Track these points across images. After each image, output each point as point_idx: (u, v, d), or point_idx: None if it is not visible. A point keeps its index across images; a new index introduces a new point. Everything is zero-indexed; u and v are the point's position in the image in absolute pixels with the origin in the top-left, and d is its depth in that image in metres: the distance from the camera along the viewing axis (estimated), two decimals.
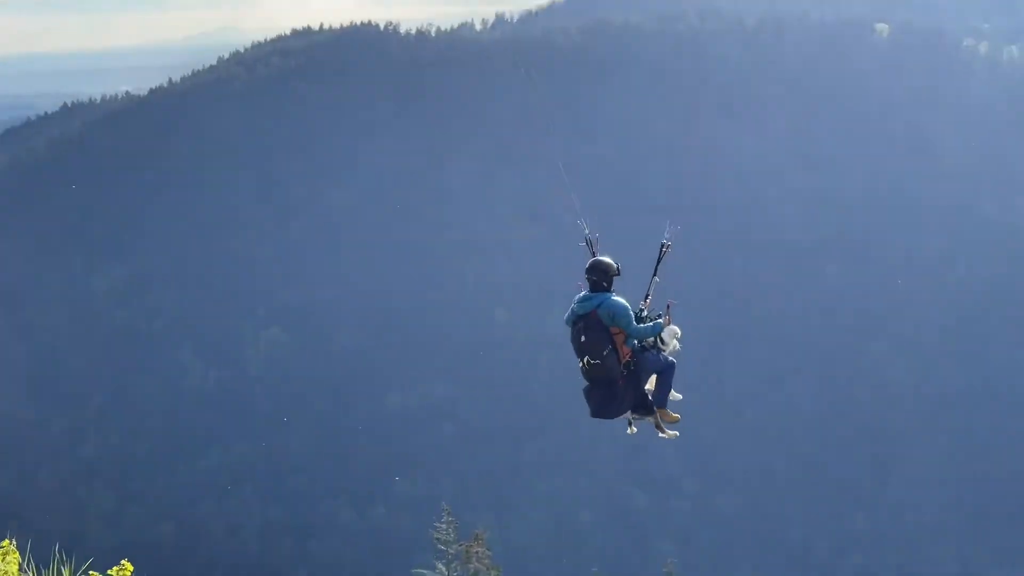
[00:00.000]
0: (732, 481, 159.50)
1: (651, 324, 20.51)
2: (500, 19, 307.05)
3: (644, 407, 20.78)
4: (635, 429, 21.18)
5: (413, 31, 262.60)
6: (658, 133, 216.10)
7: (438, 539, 56.83)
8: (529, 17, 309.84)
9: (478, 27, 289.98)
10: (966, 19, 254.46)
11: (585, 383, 20.62)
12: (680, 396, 21.00)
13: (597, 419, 21.07)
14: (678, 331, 20.63)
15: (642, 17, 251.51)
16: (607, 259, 20.55)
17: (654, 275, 21.07)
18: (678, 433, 20.86)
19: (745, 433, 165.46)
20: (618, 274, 20.42)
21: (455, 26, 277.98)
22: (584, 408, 21.06)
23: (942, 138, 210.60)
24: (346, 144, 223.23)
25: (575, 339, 20.31)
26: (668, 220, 21.75)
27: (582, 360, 20.30)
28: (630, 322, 20.17)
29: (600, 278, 20.42)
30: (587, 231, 21.29)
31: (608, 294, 20.36)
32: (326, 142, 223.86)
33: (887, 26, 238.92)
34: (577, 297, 20.47)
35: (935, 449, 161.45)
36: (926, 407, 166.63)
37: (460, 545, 56.21)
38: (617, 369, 20.18)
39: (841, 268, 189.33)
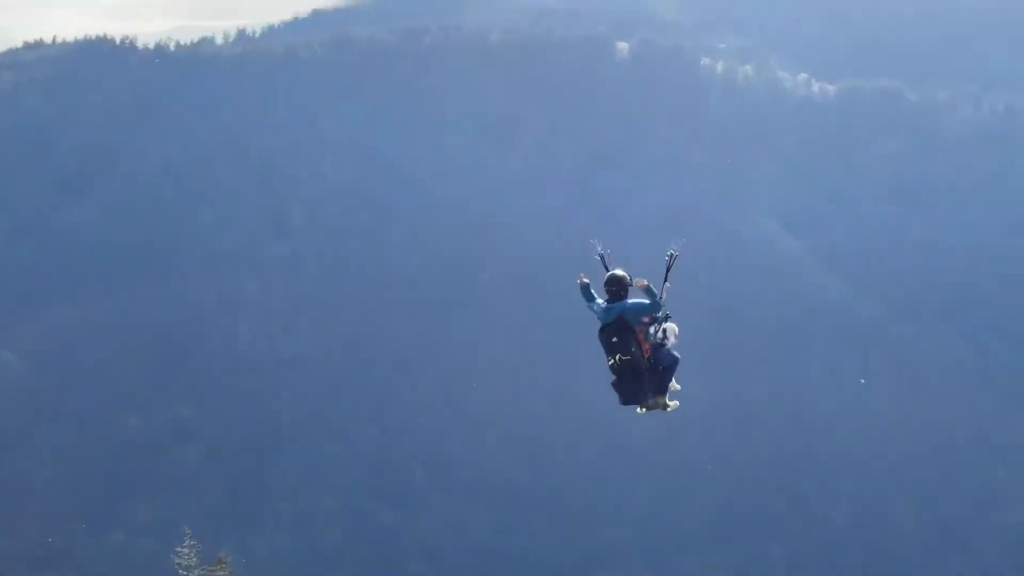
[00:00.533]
0: (483, 497, 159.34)
1: (649, 302, 23.85)
2: (242, 34, 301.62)
3: (660, 392, 24.76)
4: (643, 411, 24.88)
5: (152, 46, 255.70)
6: (401, 147, 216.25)
7: (180, 564, 54.27)
8: (272, 32, 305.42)
9: (219, 42, 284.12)
10: (704, 39, 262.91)
11: (613, 377, 24.38)
12: (679, 387, 25.03)
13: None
14: (676, 329, 24.66)
15: (387, 33, 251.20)
16: (620, 272, 24.21)
17: (665, 280, 24.28)
18: (678, 402, 24.99)
19: (491, 449, 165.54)
20: (631, 284, 23.92)
21: (195, 41, 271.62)
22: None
23: (684, 154, 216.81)
24: (80, 161, 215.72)
25: (607, 341, 24.04)
26: (677, 236, 26.21)
27: (614, 358, 24.07)
28: (649, 309, 23.95)
29: (618, 289, 24.04)
30: (599, 248, 24.81)
31: (624, 301, 24.03)
32: (58, 159, 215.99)
33: (627, 44, 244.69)
34: (600, 307, 24.27)
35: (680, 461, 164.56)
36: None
37: (203, 569, 53.80)
38: (643, 362, 24.14)
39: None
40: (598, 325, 24.21)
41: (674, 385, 24.94)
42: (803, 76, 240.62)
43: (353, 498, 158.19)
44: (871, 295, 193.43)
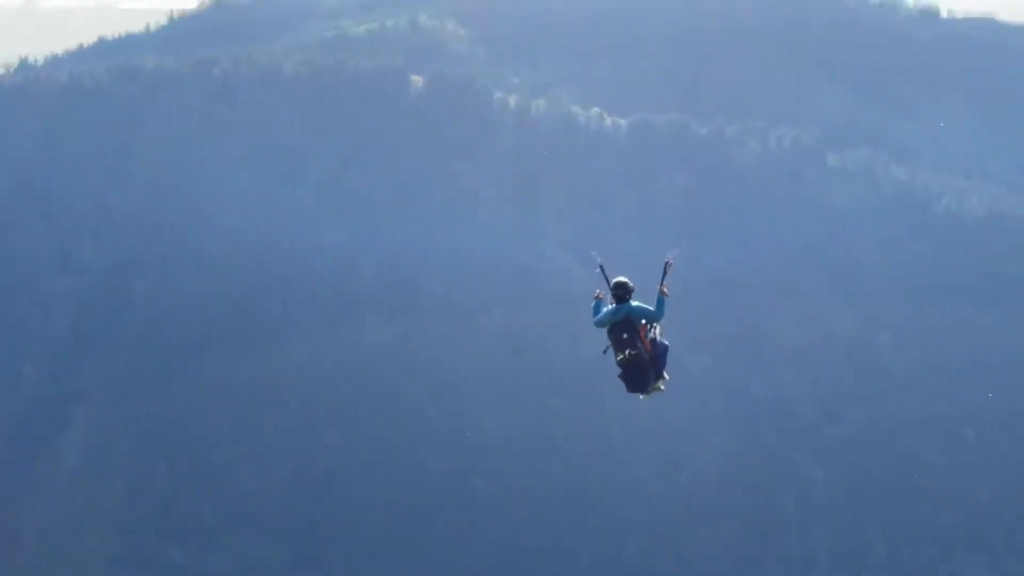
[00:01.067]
0: (275, 532, 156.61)
1: (657, 307, 29.07)
2: (24, 63, 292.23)
3: (659, 377, 29.41)
4: (645, 397, 29.44)
5: None
6: (190, 179, 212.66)
7: None
8: (55, 61, 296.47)
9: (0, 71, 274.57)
10: (498, 73, 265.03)
11: (620, 370, 28.80)
12: (668, 377, 29.64)
13: None
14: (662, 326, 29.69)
15: (176, 62, 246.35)
16: (624, 279, 28.84)
17: (662, 283, 29.23)
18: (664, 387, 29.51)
19: (284, 483, 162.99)
20: (634, 289, 28.81)
21: None
22: None
23: (477, 187, 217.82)
24: None
25: (616, 338, 28.69)
26: (674, 245, 32.14)
27: (624, 353, 28.61)
28: (651, 311, 29.04)
29: (624, 293, 28.70)
30: (599, 260, 29.44)
31: (628, 303, 28.71)
32: None
33: (421, 77, 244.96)
34: (608, 310, 28.84)
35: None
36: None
37: None
38: (646, 356, 28.78)
39: (385, 318, 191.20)
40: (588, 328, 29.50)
41: (665, 375, 29.82)
42: (595, 110, 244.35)
43: (139, 538, 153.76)
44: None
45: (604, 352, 29.23)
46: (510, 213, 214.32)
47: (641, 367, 28.89)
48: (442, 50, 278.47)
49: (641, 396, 29.40)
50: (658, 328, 29.55)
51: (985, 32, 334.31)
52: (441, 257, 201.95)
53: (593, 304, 29.57)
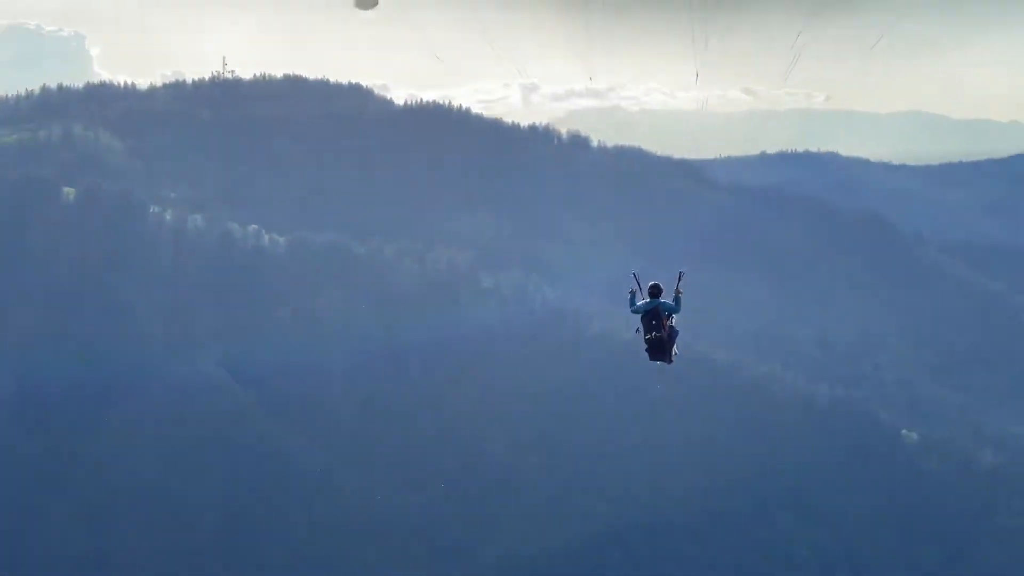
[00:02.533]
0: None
1: (675, 303, 43.20)
2: None
3: (669, 355, 42.82)
4: (670, 363, 42.55)
5: None
6: None
7: None
8: None
9: None
10: (154, 187, 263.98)
11: (646, 347, 42.44)
12: (678, 352, 43.01)
13: None
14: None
15: None
16: (656, 282, 43.41)
17: (677, 287, 43.63)
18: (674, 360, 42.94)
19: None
20: (663, 290, 43.09)
21: None
22: None
23: (132, 300, 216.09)
24: None
25: (647, 323, 42.44)
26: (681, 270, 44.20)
27: (650, 333, 42.36)
28: (672, 306, 42.82)
29: (656, 292, 43.03)
30: (634, 273, 44.25)
31: (659, 299, 42.95)
32: None
33: (74, 189, 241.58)
34: (641, 305, 43.08)
35: None
36: None
37: None
38: (665, 336, 41.91)
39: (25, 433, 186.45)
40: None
41: (675, 350, 43.24)
42: (253, 227, 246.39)
43: None
44: (319, 445, 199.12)
45: (636, 332, 42.89)
46: (164, 327, 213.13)
47: (661, 344, 42.45)
48: (97, 162, 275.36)
49: (664, 364, 42.88)
50: (675, 318, 43.16)
51: (633, 161, 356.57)
52: (95, 370, 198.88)
53: (629, 297, 43.78)
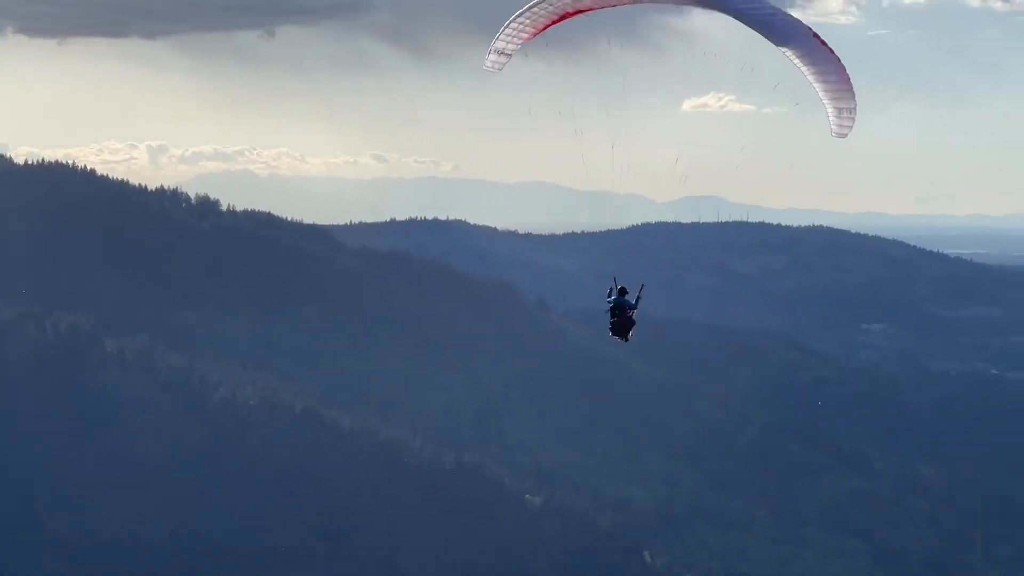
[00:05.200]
0: None
1: (635, 302, 57.89)
2: None
3: (627, 334, 57.77)
4: (625, 340, 57.43)
5: None
6: None
7: None
8: None
9: None
10: None
11: (610, 328, 57.63)
12: (632, 336, 57.31)
13: None
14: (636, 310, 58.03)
15: None
16: (623, 287, 57.54)
17: (639, 293, 58.13)
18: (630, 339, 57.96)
19: None
20: (627, 291, 57.55)
21: None
22: None
23: None
24: None
25: (616, 311, 57.19)
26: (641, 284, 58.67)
27: (615, 318, 57.06)
28: (631, 303, 57.46)
29: (623, 292, 57.30)
30: (614, 277, 58.43)
31: (624, 297, 57.25)
32: None
33: None
34: (612, 299, 57.49)
35: None
36: None
37: None
38: (629, 320, 57.06)
39: None
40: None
41: (631, 334, 57.80)
42: None
43: None
44: None
45: (606, 312, 57.41)
46: None
47: (622, 327, 57.46)
48: None
49: (623, 340, 57.96)
50: (633, 313, 57.69)
51: (263, 225, 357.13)
52: None
53: (608, 292, 57.91)
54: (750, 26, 48.02)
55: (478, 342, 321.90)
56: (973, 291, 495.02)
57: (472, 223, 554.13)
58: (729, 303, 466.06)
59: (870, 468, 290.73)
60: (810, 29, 48.05)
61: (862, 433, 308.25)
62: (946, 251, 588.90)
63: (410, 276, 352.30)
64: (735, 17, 48.31)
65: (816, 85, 49.17)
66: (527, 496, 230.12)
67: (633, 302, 58.95)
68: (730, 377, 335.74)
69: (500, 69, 50.19)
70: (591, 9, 47.97)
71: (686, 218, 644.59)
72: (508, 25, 49.01)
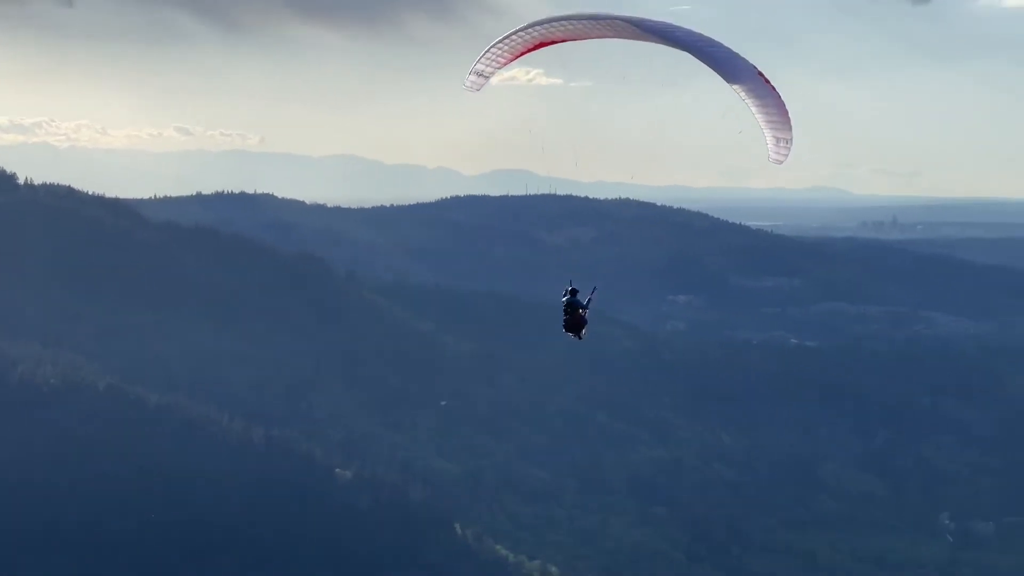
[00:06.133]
0: None
1: (587, 302, 61.44)
2: None
3: (580, 332, 61.46)
4: (580, 339, 60.88)
5: None
6: None
7: None
8: None
9: None
10: None
11: (563, 324, 60.96)
12: (585, 334, 61.20)
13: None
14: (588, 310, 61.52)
15: None
16: (575, 288, 60.87)
17: (589, 298, 61.30)
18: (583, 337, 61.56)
19: None
20: (578, 291, 60.79)
21: None
22: None
23: None
24: None
25: (568, 310, 60.78)
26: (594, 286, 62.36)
27: (568, 316, 60.73)
28: (582, 304, 60.96)
29: (575, 293, 60.79)
30: (569, 283, 61.41)
31: (576, 298, 60.82)
32: None
33: None
34: (566, 299, 60.89)
35: None
36: None
37: None
38: (581, 319, 60.79)
39: None
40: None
41: (584, 332, 60.98)
42: None
43: None
44: None
45: (562, 308, 60.61)
46: None
47: (576, 324, 60.82)
48: None
49: (577, 338, 61.09)
50: (586, 313, 60.85)
51: (63, 200, 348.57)
52: None
53: (563, 293, 60.82)
54: (704, 63, 52.89)
55: (286, 316, 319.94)
56: (774, 262, 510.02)
57: (280, 197, 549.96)
58: (537, 275, 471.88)
59: (675, 437, 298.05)
60: (754, 67, 53.22)
61: (667, 403, 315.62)
62: (748, 223, 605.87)
63: (216, 250, 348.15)
64: (691, 53, 52.46)
65: (758, 116, 54.12)
66: (337, 470, 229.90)
67: (584, 302, 62.53)
68: (538, 349, 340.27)
69: (479, 89, 54.94)
70: (562, 40, 52.18)
71: (495, 191, 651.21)
72: (488, 50, 53.12)
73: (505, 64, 54.21)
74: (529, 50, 53.25)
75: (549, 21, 51.43)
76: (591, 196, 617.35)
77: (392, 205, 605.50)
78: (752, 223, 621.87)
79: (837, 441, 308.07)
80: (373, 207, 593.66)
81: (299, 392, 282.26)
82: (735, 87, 53.38)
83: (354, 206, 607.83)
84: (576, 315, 61.92)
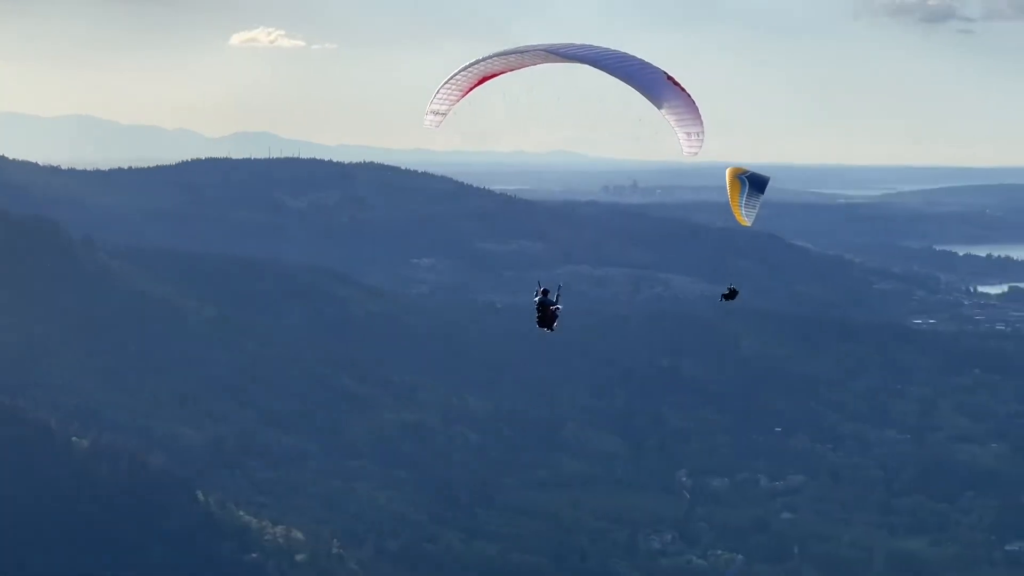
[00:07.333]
0: None
1: (556, 299, 64.73)
2: None
3: (552, 325, 64.53)
4: (551, 330, 64.58)
5: None
6: None
7: None
8: None
9: None
10: None
11: (537, 321, 64.24)
12: (556, 328, 64.34)
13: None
14: (560, 307, 64.80)
15: None
16: (547, 288, 64.30)
17: (558, 292, 64.88)
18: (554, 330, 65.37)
19: None
20: (548, 292, 64.13)
21: None
22: None
23: None
24: None
25: (542, 307, 63.91)
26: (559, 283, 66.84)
27: (540, 313, 64.08)
28: (554, 302, 64.35)
29: (546, 293, 64.12)
30: (539, 284, 65.02)
31: (548, 297, 64.12)
32: None
33: None
34: (538, 299, 64.10)
35: None
36: None
37: None
38: (552, 315, 64.02)
39: None
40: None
41: (556, 325, 64.03)
42: None
43: None
44: None
45: (535, 308, 63.66)
46: None
47: (548, 319, 63.73)
48: None
49: (549, 331, 64.12)
50: (558, 309, 63.89)
51: None
52: None
53: (535, 292, 63.83)
54: (617, 77, 56.82)
55: (18, 282, 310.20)
56: (518, 226, 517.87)
57: (11, 158, 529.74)
58: (280, 239, 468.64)
59: (419, 400, 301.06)
60: (664, 72, 56.71)
61: (412, 366, 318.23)
62: (491, 187, 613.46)
63: None
64: (606, 72, 56.81)
65: (668, 117, 57.97)
66: (74, 438, 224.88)
67: (554, 299, 66.87)
68: (280, 313, 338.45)
69: (438, 126, 61.03)
70: (502, 72, 58.72)
71: (237, 154, 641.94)
72: (439, 90, 59.43)
73: (457, 101, 60.37)
74: (475, 85, 59.74)
75: (488, 58, 58.10)
76: (335, 159, 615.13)
77: (130, 168, 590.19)
78: (496, 187, 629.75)
79: (578, 402, 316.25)
80: (110, 169, 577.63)
81: (33, 359, 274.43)
82: (649, 96, 57.01)
83: (91, 168, 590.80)
84: (548, 311, 65.74)
